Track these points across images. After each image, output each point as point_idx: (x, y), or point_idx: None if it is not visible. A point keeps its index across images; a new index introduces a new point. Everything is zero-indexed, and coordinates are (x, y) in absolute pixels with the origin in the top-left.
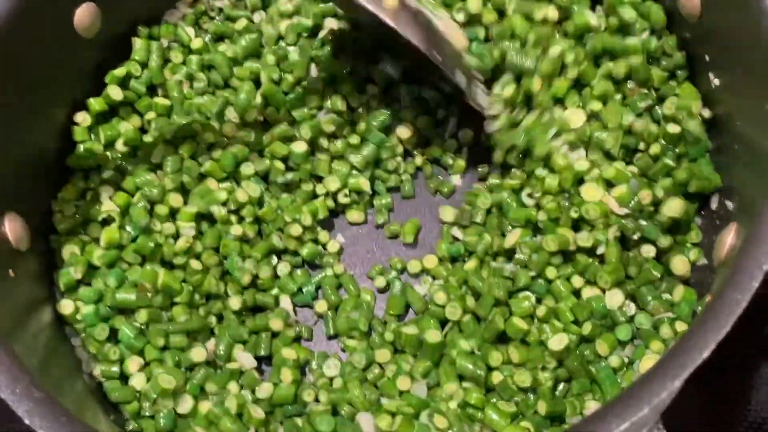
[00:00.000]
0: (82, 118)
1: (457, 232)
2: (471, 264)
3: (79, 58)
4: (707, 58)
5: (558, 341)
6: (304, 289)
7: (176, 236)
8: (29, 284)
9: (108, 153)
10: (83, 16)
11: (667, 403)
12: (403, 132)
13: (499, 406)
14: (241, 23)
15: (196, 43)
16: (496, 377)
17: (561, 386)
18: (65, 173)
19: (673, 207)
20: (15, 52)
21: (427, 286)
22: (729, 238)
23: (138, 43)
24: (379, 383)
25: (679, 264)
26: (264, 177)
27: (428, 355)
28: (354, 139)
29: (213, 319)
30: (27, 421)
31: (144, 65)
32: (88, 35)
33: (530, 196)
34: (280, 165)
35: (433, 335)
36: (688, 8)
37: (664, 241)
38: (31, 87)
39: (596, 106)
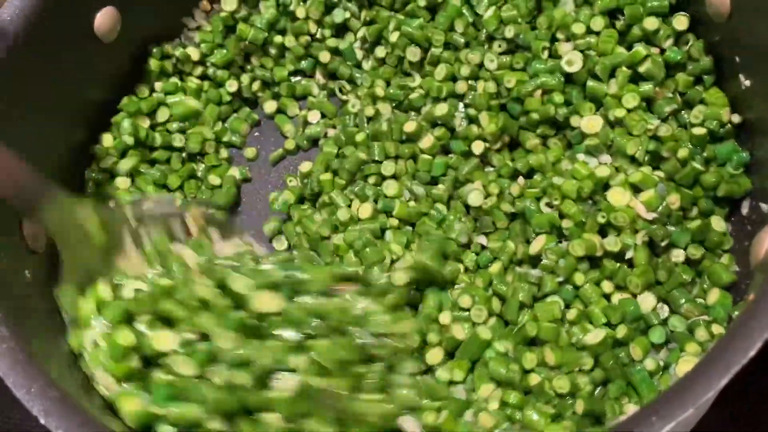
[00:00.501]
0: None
1: (482, 239)
2: (495, 267)
3: (97, 67)
4: (737, 59)
5: (594, 336)
6: None
7: None
8: (46, 299)
9: None
10: (104, 19)
11: (709, 404)
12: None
13: (538, 406)
14: None
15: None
16: (534, 379)
17: (598, 390)
18: (83, 185)
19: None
20: (37, 54)
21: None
22: (767, 239)
23: (152, 64)
24: None
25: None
26: None
27: (468, 355)
28: None
29: None
30: (42, 421)
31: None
32: (107, 39)
33: (549, 205)
34: None
35: (485, 332)
36: (716, 8)
37: (695, 251)
38: (50, 92)
39: (620, 113)
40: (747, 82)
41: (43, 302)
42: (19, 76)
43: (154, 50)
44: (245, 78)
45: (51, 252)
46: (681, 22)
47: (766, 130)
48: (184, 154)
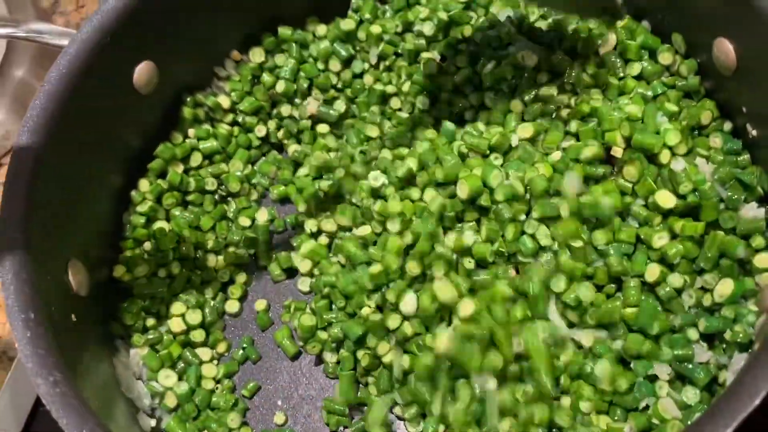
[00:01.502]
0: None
1: None
2: None
3: (135, 117)
4: (744, 109)
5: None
6: None
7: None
8: (89, 337)
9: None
10: (142, 73)
11: None
12: None
13: None
14: None
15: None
16: None
17: None
18: (121, 228)
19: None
20: (82, 107)
21: None
22: None
23: (185, 112)
24: None
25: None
26: None
27: None
28: None
29: None
30: None
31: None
32: (144, 91)
33: None
34: None
35: None
36: (723, 62)
37: None
38: (92, 143)
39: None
40: (754, 132)
41: (86, 344)
42: (66, 128)
43: (188, 99)
44: (272, 124)
45: (93, 295)
46: (666, 57)
47: None
48: (216, 196)
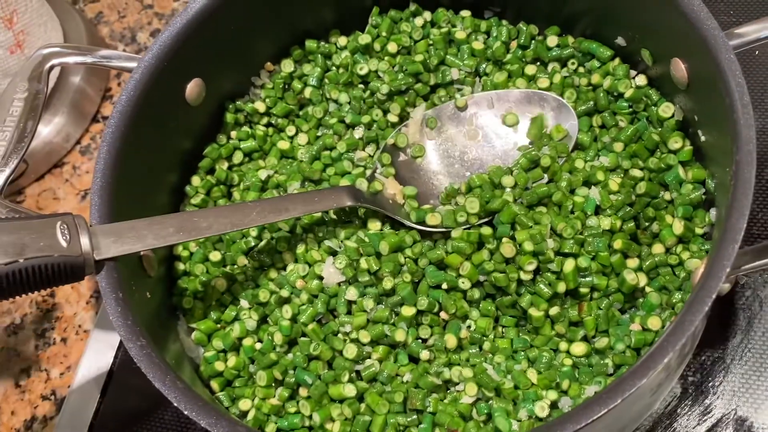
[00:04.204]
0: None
1: None
2: None
3: (187, 124)
4: (696, 118)
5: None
6: None
7: None
8: (159, 310)
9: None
10: (192, 89)
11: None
12: None
13: None
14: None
15: None
16: None
17: None
18: None
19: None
20: (143, 119)
21: None
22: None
23: (228, 117)
24: None
25: None
26: None
27: None
28: None
29: None
30: (176, 404)
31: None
32: (194, 103)
33: None
34: None
35: None
36: (678, 79)
37: None
38: (154, 149)
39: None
40: (703, 138)
41: (158, 315)
42: (134, 138)
43: (230, 106)
44: (300, 122)
45: (159, 276)
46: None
47: (721, 178)
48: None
